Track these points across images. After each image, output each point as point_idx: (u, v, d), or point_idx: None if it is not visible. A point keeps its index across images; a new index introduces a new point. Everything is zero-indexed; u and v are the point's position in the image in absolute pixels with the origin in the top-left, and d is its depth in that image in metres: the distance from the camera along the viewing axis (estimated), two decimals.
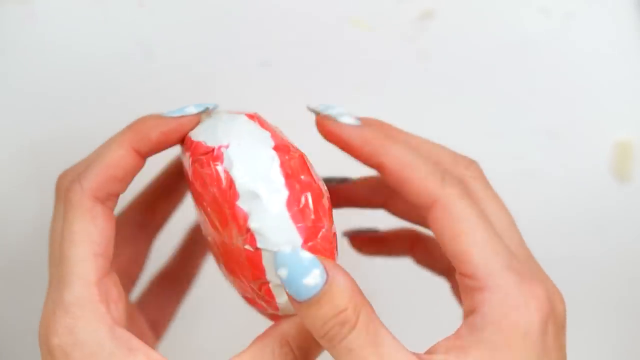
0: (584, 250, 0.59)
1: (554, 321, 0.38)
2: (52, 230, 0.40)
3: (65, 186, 0.40)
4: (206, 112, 0.42)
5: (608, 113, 0.58)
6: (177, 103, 0.57)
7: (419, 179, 0.39)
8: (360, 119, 0.42)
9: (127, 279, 0.45)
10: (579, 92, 0.58)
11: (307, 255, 0.36)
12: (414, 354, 0.36)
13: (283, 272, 0.35)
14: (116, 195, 0.40)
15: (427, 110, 0.58)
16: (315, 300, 0.35)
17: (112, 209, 0.40)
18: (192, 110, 0.41)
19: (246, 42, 0.56)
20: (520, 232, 0.41)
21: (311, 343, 0.38)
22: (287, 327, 0.38)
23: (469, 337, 0.37)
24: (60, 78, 0.55)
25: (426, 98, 0.58)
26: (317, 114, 0.42)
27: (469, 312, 0.38)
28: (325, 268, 0.36)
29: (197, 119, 0.41)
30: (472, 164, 0.41)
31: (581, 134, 0.58)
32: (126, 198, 0.45)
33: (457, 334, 0.38)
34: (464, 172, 0.41)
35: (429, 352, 0.37)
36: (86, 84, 0.56)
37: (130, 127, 0.40)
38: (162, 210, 0.47)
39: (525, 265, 0.39)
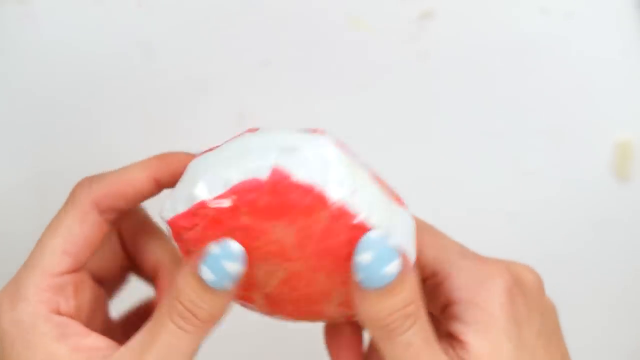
0: (584, 250, 0.59)
1: (520, 287, 0.39)
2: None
3: (79, 182, 0.40)
4: None
5: (608, 113, 0.58)
6: (177, 103, 0.57)
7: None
8: None
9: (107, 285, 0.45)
10: (579, 92, 0.58)
11: (393, 243, 0.36)
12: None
13: (367, 257, 0.35)
14: (118, 211, 0.41)
15: (427, 110, 0.58)
16: (388, 289, 0.36)
17: (108, 222, 0.41)
18: None
19: (246, 42, 0.56)
20: None
21: (200, 294, 0.37)
22: (179, 280, 0.38)
23: (459, 327, 0.38)
24: (60, 78, 0.55)
25: (426, 98, 0.58)
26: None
27: (442, 305, 0.39)
28: (403, 259, 0.36)
29: None
30: None
31: (581, 134, 0.58)
32: None
33: (447, 336, 0.39)
34: None
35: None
36: (86, 84, 0.56)
37: (159, 156, 0.41)
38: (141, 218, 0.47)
39: (476, 255, 0.40)
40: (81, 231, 0.40)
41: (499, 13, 0.57)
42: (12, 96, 0.56)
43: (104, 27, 0.55)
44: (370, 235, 0.36)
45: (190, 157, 0.40)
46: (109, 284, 0.45)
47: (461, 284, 0.39)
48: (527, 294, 0.39)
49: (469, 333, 0.38)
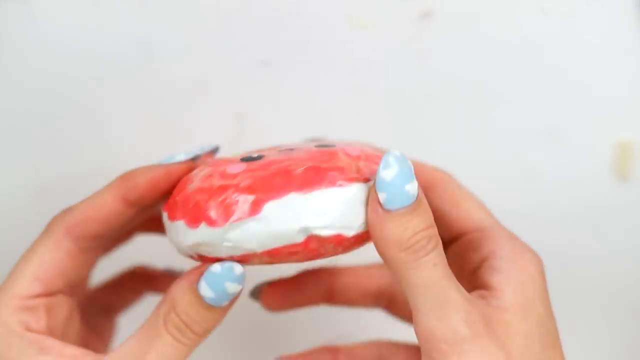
0: (584, 250, 0.59)
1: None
2: None
3: (55, 215, 0.42)
4: (197, 157, 0.42)
5: (608, 113, 0.58)
6: (177, 103, 0.57)
7: (416, 164, 0.42)
8: None
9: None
10: (579, 92, 0.58)
11: (410, 164, 0.37)
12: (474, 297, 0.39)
13: (390, 173, 0.36)
14: (92, 237, 0.42)
15: (427, 110, 0.58)
16: (410, 209, 0.37)
17: (83, 250, 0.42)
18: (182, 157, 0.42)
19: (246, 42, 0.56)
20: None
21: (197, 309, 0.39)
22: (176, 293, 0.39)
23: (491, 279, 0.39)
24: (59, 77, 0.55)
25: (426, 98, 0.58)
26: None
27: (479, 262, 0.40)
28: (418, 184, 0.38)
29: (187, 166, 0.42)
30: None
31: (581, 134, 0.58)
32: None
33: (481, 283, 0.40)
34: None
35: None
36: (86, 84, 0.56)
37: (121, 175, 0.42)
38: (128, 297, 0.49)
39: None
40: (52, 259, 0.41)
41: (498, 13, 0.57)
42: (11, 96, 0.56)
43: (103, 27, 0.55)
44: (393, 153, 0.37)
45: (149, 166, 0.41)
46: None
47: (505, 245, 0.40)
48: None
49: (508, 284, 0.39)
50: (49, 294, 0.41)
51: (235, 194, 0.37)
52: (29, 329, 0.40)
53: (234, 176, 0.38)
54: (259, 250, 0.37)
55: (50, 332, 0.41)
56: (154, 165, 0.42)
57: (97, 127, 0.56)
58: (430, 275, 0.37)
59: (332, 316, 0.51)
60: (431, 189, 0.42)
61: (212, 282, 0.38)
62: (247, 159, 0.39)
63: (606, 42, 0.57)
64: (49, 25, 0.55)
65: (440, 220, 0.42)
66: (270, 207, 0.37)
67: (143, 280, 0.49)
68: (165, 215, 0.40)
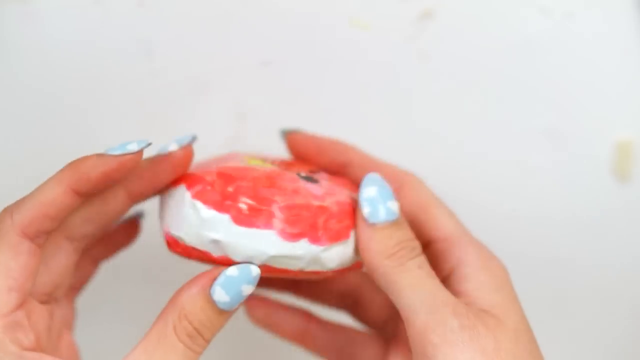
0: (584, 250, 0.59)
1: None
2: None
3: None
4: (147, 148, 0.42)
5: (608, 113, 0.58)
6: (177, 103, 0.57)
7: (385, 166, 0.44)
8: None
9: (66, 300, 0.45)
10: (579, 92, 0.57)
11: (390, 187, 0.41)
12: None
13: (372, 190, 0.40)
14: (46, 232, 0.40)
15: (427, 111, 0.58)
16: (393, 223, 0.40)
17: (41, 245, 0.40)
18: (134, 147, 0.41)
19: (246, 42, 0.56)
20: None
21: (209, 315, 0.38)
22: (186, 301, 0.38)
23: (466, 284, 0.41)
24: (60, 77, 0.55)
25: (426, 98, 0.58)
26: (285, 132, 0.47)
27: (448, 271, 0.42)
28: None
29: (139, 156, 0.41)
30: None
31: (581, 134, 0.58)
32: None
33: (453, 290, 0.41)
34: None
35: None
36: (86, 84, 0.56)
37: (69, 166, 0.40)
38: (114, 243, 0.47)
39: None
40: (17, 264, 0.39)
41: (498, 13, 0.57)
42: (11, 95, 0.56)
43: (104, 27, 0.55)
44: (372, 174, 0.41)
45: (100, 157, 0.40)
46: (60, 300, 0.44)
47: (472, 253, 0.42)
48: None
49: (482, 290, 0.40)
50: (24, 302, 0.40)
51: (333, 219, 0.41)
52: (22, 346, 0.39)
53: (322, 198, 0.41)
54: (333, 269, 0.41)
55: (39, 342, 0.40)
56: (105, 155, 0.40)
57: (98, 126, 0.56)
58: (417, 275, 0.39)
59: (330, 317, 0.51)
60: (400, 192, 0.43)
61: (228, 286, 0.38)
62: (307, 179, 0.42)
63: (606, 42, 0.57)
64: (49, 25, 0.55)
65: (410, 224, 0.42)
66: (352, 235, 0.41)
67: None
68: (225, 217, 0.40)
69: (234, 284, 0.38)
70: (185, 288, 0.39)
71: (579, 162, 0.58)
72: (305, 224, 0.40)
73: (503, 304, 0.40)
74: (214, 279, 0.38)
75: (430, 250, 0.42)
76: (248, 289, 0.38)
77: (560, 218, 0.59)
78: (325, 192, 0.42)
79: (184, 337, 0.38)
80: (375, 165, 0.44)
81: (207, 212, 0.40)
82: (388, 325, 0.47)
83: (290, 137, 0.46)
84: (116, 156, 0.40)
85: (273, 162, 0.44)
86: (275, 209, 0.40)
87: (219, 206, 0.40)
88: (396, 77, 0.57)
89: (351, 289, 0.48)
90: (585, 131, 0.58)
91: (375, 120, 0.58)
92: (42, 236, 0.40)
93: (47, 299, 0.42)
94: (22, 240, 0.40)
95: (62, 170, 0.40)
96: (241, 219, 0.39)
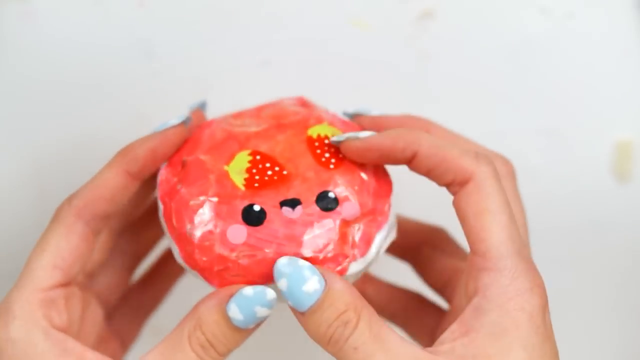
0: (584, 250, 0.59)
1: (548, 310, 0.39)
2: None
3: (60, 204, 0.41)
4: (189, 120, 0.43)
5: (608, 113, 0.58)
6: (177, 103, 0.57)
7: (454, 157, 0.40)
8: (399, 115, 0.45)
9: (104, 302, 0.46)
10: (579, 92, 0.58)
11: (304, 263, 0.38)
12: (420, 347, 0.37)
13: (283, 283, 0.38)
14: (102, 217, 0.41)
15: (426, 110, 0.58)
16: (317, 306, 0.37)
17: (95, 230, 0.41)
18: (175, 122, 0.42)
19: (246, 42, 0.56)
20: (527, 228, 0.43)
21: (223, 329, 0.39)
22: (203, 312, 0.39)
23: (473, 321, 0.38)
24: (60, 77, 0.55)
25: (426, 98, 0.58)
26: (338, 142, 0.43)
27: (472, 294, 0.39)
28: (322, 275, 0.38)
29: (182, 129, 0.42)
30: (501, 156, 0.43)
31: (581, 134, 0.58)
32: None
33: (461, 320, 0.38)
34: (493, 157, 0.42)
35: (436, 344, 0.38)
36: (86, 84, 0.56)
37: (120, 151, 0.42)
38: (146, 240, 0.48)
39: (530, 256, 0.40)
40: (68, 244, 0.40)
41: (499, 13, 0.57)
42: (11, 95, 0.55)
43: (104, 27, 0.55)
44: (280, 261, 0.38)
45: (145, 136, 0.42)
46: (114, 302, 0.46)
47: (500, 286, 0.38)
48: (549, 316, 0.39)
49: (480, 332, 0.37)
50: (67, 283, 0.41)
51: (329, 263, 0.41)
52: (53, 324, 0.39)
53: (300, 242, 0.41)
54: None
55: (70, 327, 0.41)
56: (150, 134, 0.42)
57: (98, 126, 0.56)
58: (353, 359, 0.37)
59: None
60: (463, 188, 0.39)
61: (242, 305, 0.38)
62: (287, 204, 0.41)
63: (606, 42, 0.57)
64: (49, 25, 0.55)
65: (460, 222, 0.40)
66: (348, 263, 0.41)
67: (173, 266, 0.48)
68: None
69: (247, 304, 0.38)
70: (205, 299, 0.39)
71: (579, 162, 0.58)
72: (364, 239, 0.42)
73: (495, 352, 0.37)
74: (231, 295, 0.39)
75: (470, 263, 0.39)
76: (262, 312, 0.38)
77: (559, 218, 0.59)
78: (303, 222, 0.41)
79: (197, 347, 0.38)
80: (441, 154, 0.40)
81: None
82: (446, 290, 0.46)
83: (345, 147, 0.42)
84: (159, 132, 0.42)
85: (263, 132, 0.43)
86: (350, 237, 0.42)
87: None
88: (396, 77, 0.57)
89: (412, 242, 0.47)
90: (585, 131, 0.58)
91: None
92: (99, 221, 0.41)
93: (87, 284, 0.43)
94: (76, 222, 0.41)
95: (114, 156, 0.42)
96: None
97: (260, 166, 0.41)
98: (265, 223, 0.40)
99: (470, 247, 0.39)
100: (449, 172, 0.40)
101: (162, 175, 0.42)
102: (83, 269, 0.42)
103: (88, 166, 0.56)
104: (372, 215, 0.42)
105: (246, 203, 0.40)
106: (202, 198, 0.41)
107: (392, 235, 0.43)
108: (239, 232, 0.40)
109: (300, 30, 0.56)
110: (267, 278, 0.40)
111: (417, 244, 0.48)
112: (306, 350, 0.51)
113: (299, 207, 0.40)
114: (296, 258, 0.39)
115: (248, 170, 0.41)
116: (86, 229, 0.41)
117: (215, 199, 0.41)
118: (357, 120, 0.45)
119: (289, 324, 0.57)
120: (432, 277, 0.47)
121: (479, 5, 0.56)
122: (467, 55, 0.57)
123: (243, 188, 0.41)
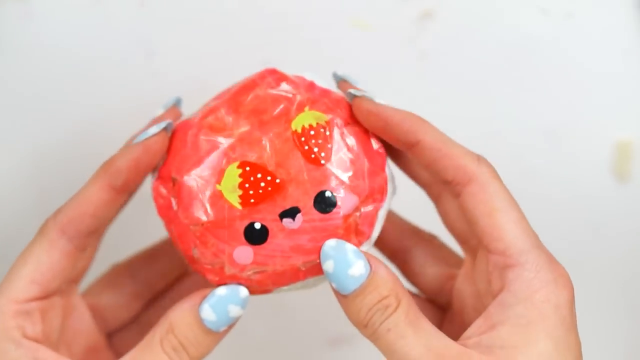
0: (584, 250, 0.59)
1: (574, 301, 0.39)
2: None
3: (47, 218, 0.41)
4: (170, 125, 0.42)
5: (608, 113, 0.58)
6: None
7: (457, 155, 0.40)
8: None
9: (104, 318, 0.46)
10: (579, 92, 0.58)
11: (350, 247, 0.38)
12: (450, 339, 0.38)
13: (330, 265, 0.38)
14: (87, 233, 0.41)
15: (426, 110, 0.58)
16: (360, 290, 0.38)
17: (80, 247, 0.41)
18: (155, 130, 0.41)
19: (246, 42, 0.56)
20: None
21: (196, 332, 0.39)
22: (175, 315, 0.39)
23: (499, 315, 0.38)
24: (60, 77, 0.55)
25: (426, 98, 0.58)
26: (353, 96, 0.42)
27: (497, 291, 0.39)
28: (368, 259, 0.38)
29: (163, 137, 0.41)
30: (485, 160, 0.43)
31: (581, 134, 0.58)
32: None
33: (486, 315, 0.39)
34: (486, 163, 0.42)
35: (462, 338, 0.39)
36: (86, 84, 0.56)
37: (102, 165, 0.41)
38: (162, 269, 0.48)
39: (546, 249, 0.40)
40: (49, 259, 0.40)
41: (498, 13, 0.57)
42: (11, 95, 0.55)
43: (104, 27, 0.55)
44: (327, 244, 0.39)
45: (125, 147, 0.41)
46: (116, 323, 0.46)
47: (525, 280, 0.38)
48: (574, 307, 0.40)
49: (505, 325, 0.38)
50: (44, 296, 0.41)
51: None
52: (25, 334, 0.40)
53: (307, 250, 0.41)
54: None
55: (46, 337, 0.41)
56: (131, 145, 0.41)
57: (97, 126, 0.56)
58: (387, 341, 0.38)
59: (333, 316, 0.51)
60: (466, 188, 0.40)
61: (215, 305, 0.39)
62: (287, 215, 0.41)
63: (606, 42, 0.57)
64: (49, 25, 0.55)
65: (469, 223, 0.40)
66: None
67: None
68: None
69: (221, 303, 0.39)
70: (178, 303, 0.40)
71: (578, 162, 0.58)
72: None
73: (522, 343, 0.37)
74: (205, 297, 0.39)
75: (489, 261, 0.39)
76: (235, 310, 0.39)
77: (559, 218, 0.59)
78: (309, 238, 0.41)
79: (169, 350, 0.39)
80: (445, 150, 0.40)
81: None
82: (441, 295, 0.46)
83: (357, 103, 0.42)
84: (140, 142, 0.41)
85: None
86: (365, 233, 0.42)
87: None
88: (396, 77, 0.57)
89: (403, 246, 0.47)
90: (585, 131, 0.58)
91: None
92: (83, 237, 0.41)
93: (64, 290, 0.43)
94: (60, 238, 0.41)
95: (97, 170, 0.41)
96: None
97: (252, 179, 0.40)
98: (269, 239, 0.40)
99: (487, 247, 0.39)
100: (450, 169, 0.40)
101: (156, 189, 0.42)
102: (64, 282, 0.42)
103: (88, 166, 0.56)
104: (371, 197, 0.41)
105: (246, 222, 0.40)
106: (202, 221, 0.40)
107: (394, 192, 0.43)
108: (245, 253, 0.40)
109: (301, 30, 0.56)
110: (280, 284, 0.40)
111: (408, 248, 0.48)
112: (306, 350, 0.51)
113: (298, 216, 0.40)
114: (343, 241, 0.39)
115: (241, 186, 0.40)
116: (69, 245, 0.41)
117: (214, 223, 0.40)
118: (342, 85, 0.44)
119: (288, 323, 0.57)
120: (424, 283, 0.47)
121: (479, 5, 0.56)
122: (467, 55, 0.57)
123: (240, 207, 0.40)
